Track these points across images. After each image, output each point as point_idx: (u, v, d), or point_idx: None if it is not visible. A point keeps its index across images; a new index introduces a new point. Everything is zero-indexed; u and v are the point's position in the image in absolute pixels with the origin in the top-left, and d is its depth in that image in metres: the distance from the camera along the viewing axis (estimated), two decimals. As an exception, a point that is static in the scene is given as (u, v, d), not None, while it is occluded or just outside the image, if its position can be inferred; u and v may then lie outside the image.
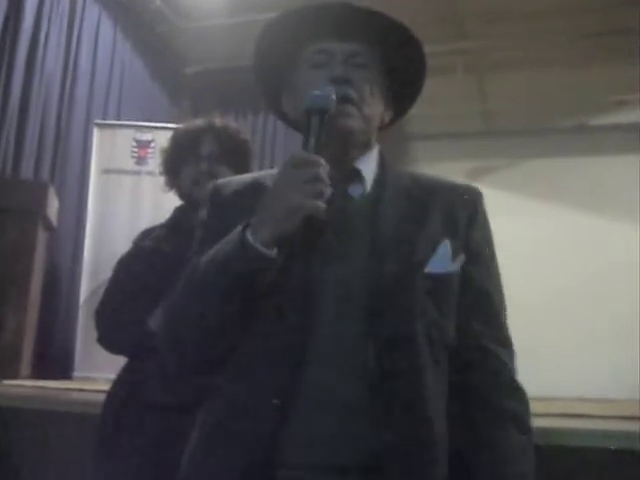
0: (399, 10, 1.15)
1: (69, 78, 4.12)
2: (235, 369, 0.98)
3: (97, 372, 3.25)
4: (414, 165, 5.75)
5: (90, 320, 1.82)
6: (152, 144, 4.01)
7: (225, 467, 0.93)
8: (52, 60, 3.92)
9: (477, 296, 1.04)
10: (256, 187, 1.07)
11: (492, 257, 1.09)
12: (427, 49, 1.12)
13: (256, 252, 0.90)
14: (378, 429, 0.91)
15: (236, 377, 0.98)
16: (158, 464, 1.44)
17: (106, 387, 1.73)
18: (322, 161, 0.92)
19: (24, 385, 2.68)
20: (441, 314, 0.99)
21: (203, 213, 1.12)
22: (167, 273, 1.49)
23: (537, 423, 1.01)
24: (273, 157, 5.30)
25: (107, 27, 4.62)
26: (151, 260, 1.70)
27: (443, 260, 1.01)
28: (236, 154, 1.79)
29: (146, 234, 1.82)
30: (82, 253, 3.91)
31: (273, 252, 0.91)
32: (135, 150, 4.04)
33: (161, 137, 3.51)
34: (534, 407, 1.03)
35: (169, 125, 3.66)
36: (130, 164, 4.03)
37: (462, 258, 1.03)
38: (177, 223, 1.79)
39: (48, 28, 3.88)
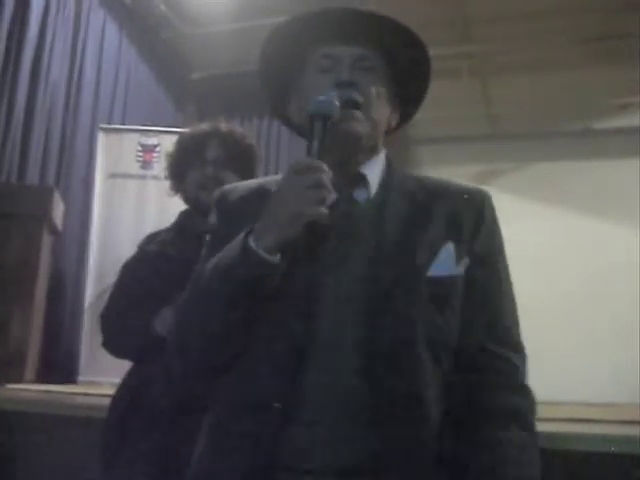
0: (404, 13, 1.15)
1: (74, 83, 4.13)
2: (237, 372, 0.99)
3: (102, 376, 3.25)
4: (419, 169, 5.75)
5: (95, 324, 1.82)
6: (157, 148, 4.02)
7: (227, 470, 0.94)
8: (58, 65, 3.93)
9: (482, 298, 1.04)
10: (261, 193, 1.07)
11: (500, 260, 1.08)
12: (432, 52, 1.12)
13: (259, 258, 0.90)
14: (378, 430, 0.91)
15: (238, 380, 0.98)
16: (163, 468, 1.44)
17: (111, 391, 1.73)
18: (325, 167, 0.92)
19: (29, 389, 2.68)
20: (443, 317, 0.99)
21: (213, 218, 1.13)
22: (172, 277, 1.50)
23: (541, 427, 1.01)
24: (278, 162, 5.31)
25: (112, 33, 4.64)
26: (156, 264, 1.71)
27: (446, 263, 1.00)
28: (241, 159, 1.80)
29: (151, 238, 1.82)
30: (87, 257, 3.91)
31: (276, 258, 0.91)
32: (140, 154, 4.05)
33: (166, 141, 3.51)
34: (539, 411, 1.03)
35: (174, 129, 3.66)
36: (135, 168, 4.04)
37: (466, 261, 1.02)
38: (182, 227, 1.79)
39: (54, 33, 3.89)
